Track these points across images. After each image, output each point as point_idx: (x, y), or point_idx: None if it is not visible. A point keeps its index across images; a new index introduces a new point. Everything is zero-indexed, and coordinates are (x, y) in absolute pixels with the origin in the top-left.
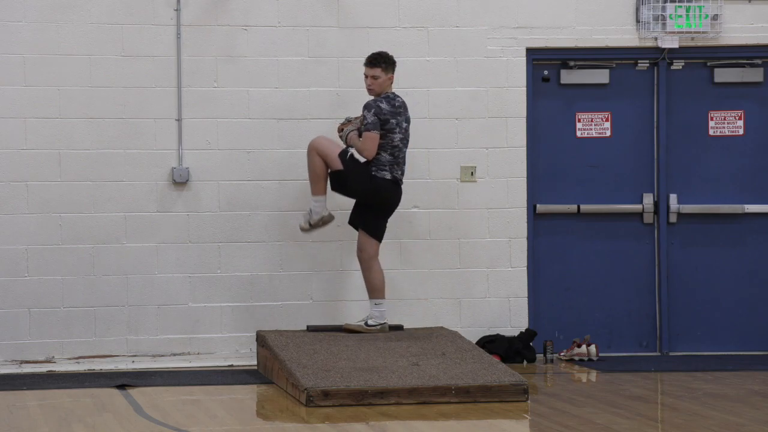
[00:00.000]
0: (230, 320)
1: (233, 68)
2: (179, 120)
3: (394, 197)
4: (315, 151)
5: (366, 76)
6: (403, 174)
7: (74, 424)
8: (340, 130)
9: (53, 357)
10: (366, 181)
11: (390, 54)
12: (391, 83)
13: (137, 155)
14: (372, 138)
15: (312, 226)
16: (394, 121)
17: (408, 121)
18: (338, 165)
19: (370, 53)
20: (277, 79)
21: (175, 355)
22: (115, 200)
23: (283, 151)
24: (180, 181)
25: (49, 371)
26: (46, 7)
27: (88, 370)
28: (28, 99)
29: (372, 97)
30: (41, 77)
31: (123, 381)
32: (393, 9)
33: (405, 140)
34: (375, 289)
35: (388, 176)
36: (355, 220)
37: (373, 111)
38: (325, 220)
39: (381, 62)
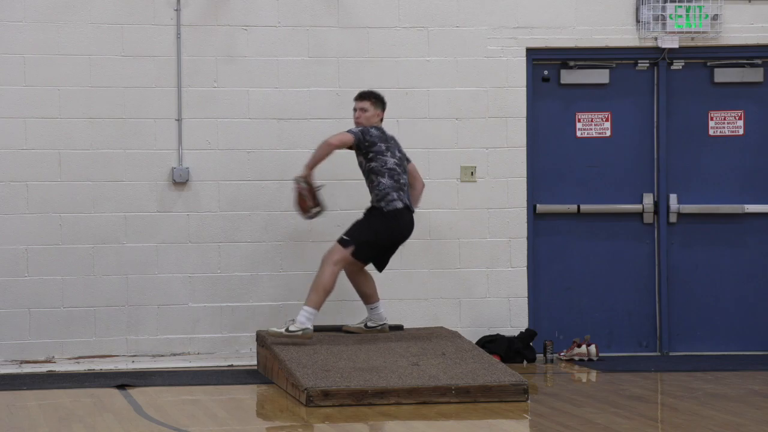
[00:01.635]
0: (230, 320)
1: (233, 68)
2: (179, 120)
3: (410, 225)
4: (330, 262)
5: (355, 110)
6: (410, 201)
7: (74, 424)
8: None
9: (53, 357)
10: (385, 222)
11: (381, 94)
12: (380, 120)
13: (137, 155)
14: (344, 133)
15: (287, 335)
16: (383, 145)
17: (402, 153)
18: (350, 247)
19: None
20: (277, 79)
21: (175, 355)
22: (115, 200)
23: (283, 151)
24: (180, 181)
25: (49, 371)
26: (46, 7)
27: (88, 370)
28: (28, 99)
29: None
30: (41, 77)
31: (123, 381)
32: (393, 9)
33: (401, 167)
34: (367, 296)
35: (399, 205)
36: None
37: (360, 129)
38: (305, 337)
39: (371, 96)
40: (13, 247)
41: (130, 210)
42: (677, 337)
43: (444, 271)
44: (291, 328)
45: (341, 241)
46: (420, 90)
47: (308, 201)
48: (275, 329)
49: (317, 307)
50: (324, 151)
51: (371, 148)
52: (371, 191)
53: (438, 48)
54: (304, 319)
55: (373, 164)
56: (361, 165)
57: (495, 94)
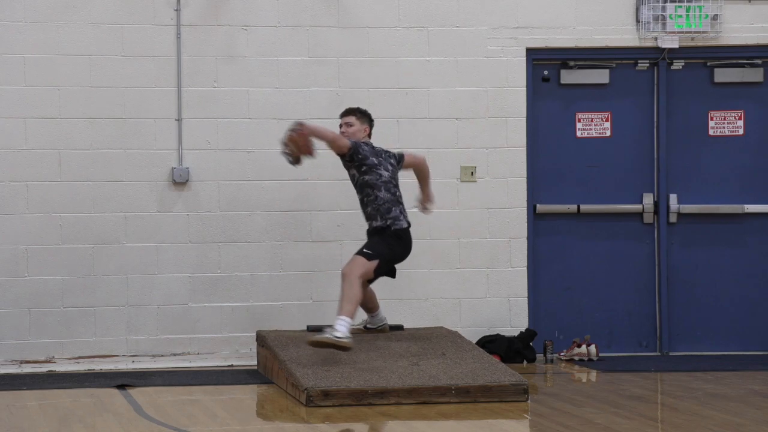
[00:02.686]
0: (230, 320)
1: (233, 68)
2: (179, 120)
3: (410, 245)
4: (356, 275)
5: (341, 126)
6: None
7: (74, 424)
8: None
9: (53, 357)
10: (397, 241)
11: (368, 111)
12: (367, 136)
13: (137, 155)
14: (345, 138)
15: (334, 342)
16: (375, 160)
17: (394, 166)
18: (375, 261)
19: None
20: (277, 79)
21: (175, 355)
22: (115, 200)
23: None
24: (180, 181)
25: (49, 371)
26: (46, 7)
27: (88, 370)
28: (28, 99)
29: None
30: (41, 77)
31: (123, 381)
32: (393, 9)
33: (395, 180)
34: (369, 308)
35: (405, 225)
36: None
37: (354, 141)
38: (349, 345)
39: (356, 112)
40: (13, 247)
41: (130, 210)
42: (677, 337)
43: (444, 271)
44: (337, 335)
45: (365, 255)
46: (420, 90)
47: (298, 148)
48: (319, 336)
49: (353, 316)
50: (326, 134)
51: (364, 161)
52: (367, 205)
53: (438, 48)
54: (345, 329)
55: (367, 177)
56: (353, 178)
57: (495, 94)
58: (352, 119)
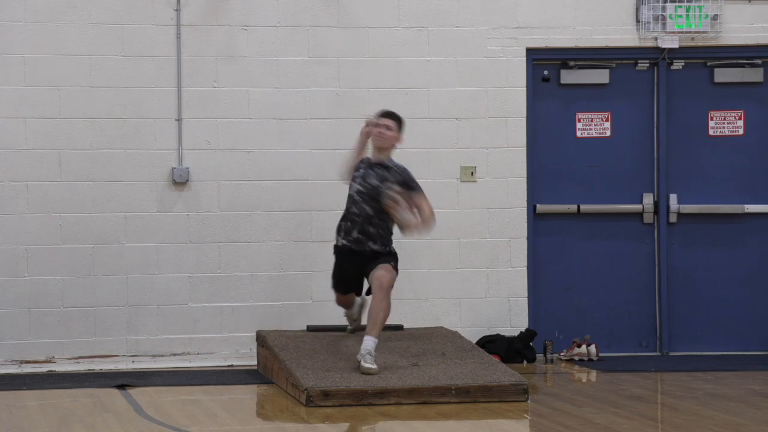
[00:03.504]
0: (230, 320)
1: (233, 68)
2: (179, 120)
3: None
4: (389, 290)
5: (377, 125)
6: None
7: (74, 424)
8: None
9: (53, 357)
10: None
11: (404, 122)
12: (395, 145)
13: (137, 155)
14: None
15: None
16: None
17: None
18: (395, 277)
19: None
20: (277, 79)
21: (175, 355)
22: (115, 200)
23: (283, 151)
24: (180, 181)
25: (49, 371)
26: (46, 7)
27: (88, 370)
28: (28, 99)
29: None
30: (41, 77)
31: (123, 381)
32: (393, 9)
33: None
34: (348, 305)
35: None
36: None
37: (408, 172)
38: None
39: (398, 118)
40: (13, 247)
41: (130, 210)
42: (677, 337)
43: (444, 271)
44: (374, 365)
45: (396, 269)
46: (420, 90)
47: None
48: (370, 368)
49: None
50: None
51: None
52: (371, 225)
53: (438, 48)
54: (374, 350)
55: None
56: (378, 202)
57: (495, 94)
58: (392, 124)
